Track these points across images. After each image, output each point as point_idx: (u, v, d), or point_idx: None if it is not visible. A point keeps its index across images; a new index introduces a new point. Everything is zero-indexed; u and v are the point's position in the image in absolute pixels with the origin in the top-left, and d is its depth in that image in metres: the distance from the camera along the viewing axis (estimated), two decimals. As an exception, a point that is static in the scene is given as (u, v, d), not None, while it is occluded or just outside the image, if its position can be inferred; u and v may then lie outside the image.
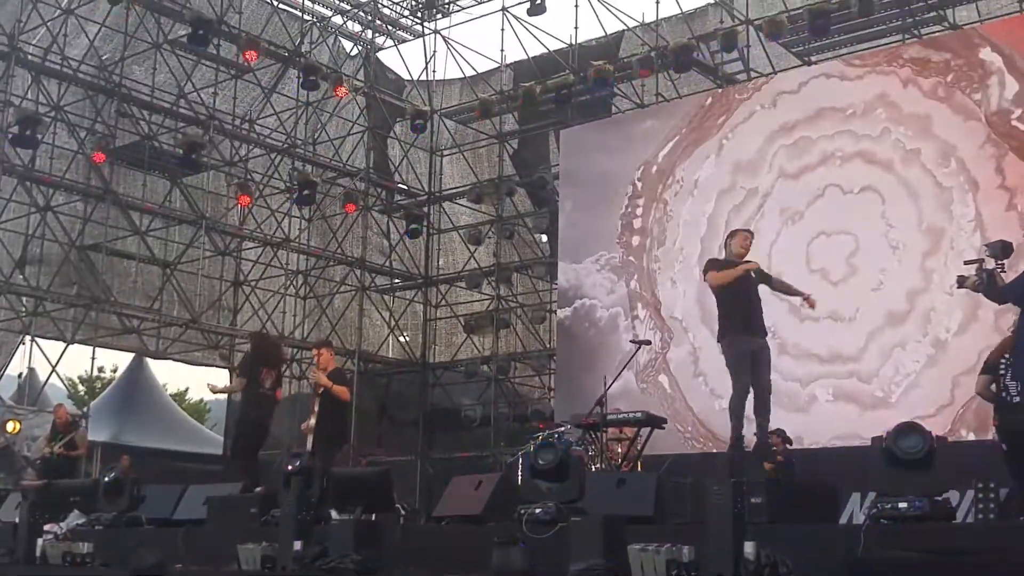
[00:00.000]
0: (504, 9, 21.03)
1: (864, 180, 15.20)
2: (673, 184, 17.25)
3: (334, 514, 8.67)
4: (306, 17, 22.34)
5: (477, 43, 32.00)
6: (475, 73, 22.69)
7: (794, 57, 18.25)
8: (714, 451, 14.91)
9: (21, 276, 19.35)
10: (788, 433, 12.41)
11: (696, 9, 20.01)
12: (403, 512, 9.30)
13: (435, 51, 22.84)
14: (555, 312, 19.38)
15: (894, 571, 6.03)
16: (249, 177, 21.16)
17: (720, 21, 18.68)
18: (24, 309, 19.33)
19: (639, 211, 17.57)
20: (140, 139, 20.26)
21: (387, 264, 22.56)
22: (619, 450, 10.92)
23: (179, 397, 35.66)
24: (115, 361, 30.38)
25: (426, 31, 23.08)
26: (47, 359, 18.76)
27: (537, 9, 20.02)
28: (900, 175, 14.95)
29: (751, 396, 9.82)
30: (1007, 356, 7.74)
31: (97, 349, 19.10)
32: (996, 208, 14.06)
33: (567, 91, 19.26)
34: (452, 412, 21.54)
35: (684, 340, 16.30)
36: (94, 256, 19.33)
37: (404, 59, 24.90)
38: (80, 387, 29.25)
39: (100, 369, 30.20)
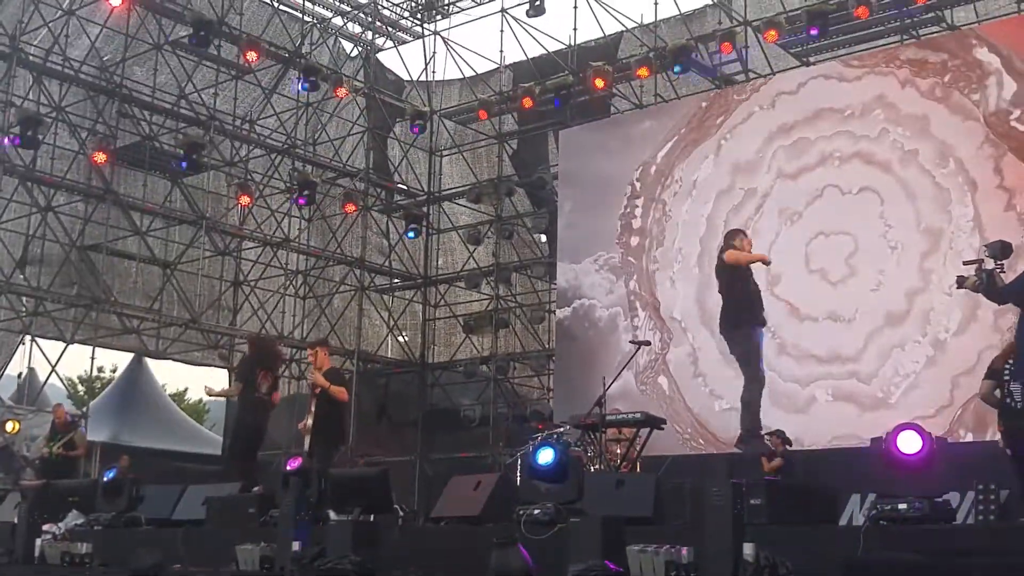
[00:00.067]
0: (503, 10, 21.05)
1: (863, 180, 15.20)
2: (672, 184, 17.25)
3: (332, 515, 8.68)
4: (306, 18, 22.36)
5: (476, 44, 32.09)
6: (474, 74, 22.71)
7: (792, 58, 18.26)
8: (714, 452, 14.93)
9: (21, 276, 19.37)
10: (788, 434, 12.43)
11: (695, 10, 20.02)
12: (402, 513, 9.29)
13: (435, 52, 22.92)
14: (554, 312, 19.38)
15: (893, 573, 6.02)
16: (249, 177, 21.18)
17: (719, 22, 18.71)
18: (24, 309, 19.35)
19: (638, 211, 17.56)
20: (141, 139, 20.30)
21: (386, 264, 22.59)
22: (618, 451, 10.94)
23: (178, 397, 35.68)
24: (115, 361, 30.42)
25: (426, 32, 23.10)
26: (47, 359, 18.83)
27: (536, 10, 20.04)
28: (898, 175, 14.95)
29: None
30: (1011, 361, 7.74)
31: (97, 349, 19.09)
32: (995, 208, 14.06)
33: (565, 92, 19.28)
34: (451, 412, 21.55)
35: (683, 340, 16.30)
36: (94, 256, 19.34)
37: (404, 60, 24.95)
38: (79, 387, 29.21)
39: (100, 369, 30.22)
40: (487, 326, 21.52)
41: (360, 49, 23.37)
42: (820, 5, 16.77)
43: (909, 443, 6.80)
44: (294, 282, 22.58)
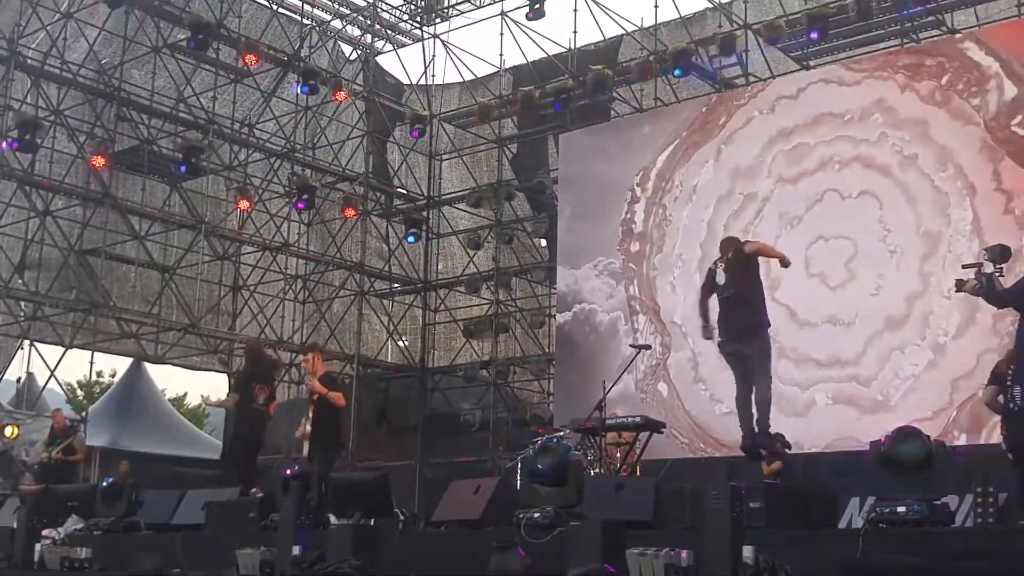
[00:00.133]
0: (503, 13, 21.07)
1: (862, 185, 15.21)
2: (672, 189, 17.26)
3: (333, 519, 8.66)
4: (305, 21, 22.35)
5: (476, 47, 32.14)
6: (474, 77, 22.72)
7: (792, 61, 18.26)
8: (716, 456, 14.92)
9: (20, 280, 19.37)
10: (787, 437, 12.40)
11: (695, 13, 20.03)
12: (402, 517, 9.29)
13: (434, 55, 22.94)
14: (554, 317, 19.38)
15: (892, 575, 6.03)
16: (248, 181, 21.17)
17: (719, 25, 18.72)
18: (23, 313, 19.34)
19: (638, 216, 17.57)
20: (139, 143, 20.29)
21: (386, 268, 22.57)
22: (618, 455, 10.93)
23: (178, 402, 35.60)
24: (114, 366, 30.30)
25: (425, 35, 23.11)
26: (45, 363, 18.81)
27: (536, 13, 20.03)
28: (898, 180, 14.96)
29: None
30: (1013, 366, 7.74)
31: (96, 354, 19.07)
32: (994, 212, 14.07)
33: (565, 96, 19.27)
34: (451, 417, 21.55)
35: (684, 345, 16.28)
36: (93, 260, 19.32)
37: (403, 63, 25.05)
38: (78, 392, 29.17)
39: (99, 374, 30.18)
40: (487, 330, 21.51)
41: (359, 52, 23.37)
42: (820, 8, 16.79)
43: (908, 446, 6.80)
44: (293, 287, 22.55)
